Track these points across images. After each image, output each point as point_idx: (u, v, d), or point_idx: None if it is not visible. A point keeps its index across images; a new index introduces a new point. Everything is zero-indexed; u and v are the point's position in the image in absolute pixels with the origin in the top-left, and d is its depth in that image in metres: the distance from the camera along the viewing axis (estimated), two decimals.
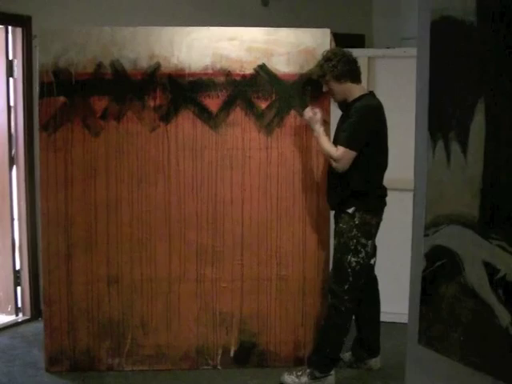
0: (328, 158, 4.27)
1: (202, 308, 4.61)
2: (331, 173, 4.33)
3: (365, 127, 4.19)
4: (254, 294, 4.61)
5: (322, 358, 4.35)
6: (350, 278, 4.26)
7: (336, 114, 4.47)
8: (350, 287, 4.27)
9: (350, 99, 4.29)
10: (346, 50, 4.33)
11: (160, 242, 4.54)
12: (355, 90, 4.28)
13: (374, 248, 4.43)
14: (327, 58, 4.25)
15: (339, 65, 4.21)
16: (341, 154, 4.16)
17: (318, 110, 4.32)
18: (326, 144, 4.27)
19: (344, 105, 4.38)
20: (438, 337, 2.56)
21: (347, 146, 4.15)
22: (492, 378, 2.28)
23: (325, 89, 4.32)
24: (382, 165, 4.36)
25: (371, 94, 4.35)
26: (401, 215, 4.61)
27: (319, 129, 4.29)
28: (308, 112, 4.33)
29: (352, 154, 4.15)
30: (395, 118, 5.12)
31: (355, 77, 4.30)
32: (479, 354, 2.34)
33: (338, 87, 4.26)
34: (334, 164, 4.21)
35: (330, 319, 4.35)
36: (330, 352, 4.34)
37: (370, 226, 4.26)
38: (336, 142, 4.26)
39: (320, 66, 4.27)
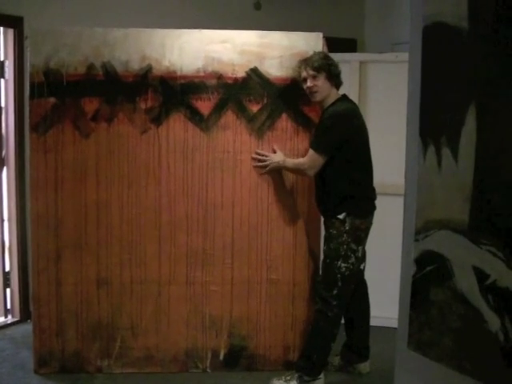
0: (297, 170, 4.37)
1: (192, 311, 4.60)
2: (320, 180, 4.33)
3: (336, 133, 4.19)
4: (244, 298, 4.61)
5: (309, 363, 4.34)
6: (339, 284, 4.25)
7: None
8: (339, 293, 4.27)
9: (326, 104, 4.30)
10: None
11: (150, 245, 4.53)
12: (333, 95, 4.30)
13: (364, 253, 4.43)
14: (326, 57, 4.27)
15: (334, 66, 4.26)
16: (307, 158, 4.24)
17: (258, 155, 4.49)
18: (292, 161, 4.40)
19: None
20: (427, 342, 2.56)
21: (315, 149, 4.21)
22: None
23: (310, 83, 4.26)
24: (367, 167, 4.35)
25: (344, 98, 4.35)
26: (391, 220, 4.62)
27: (283, 160, 4.43)
28: (270, 159, 4.47)
29: (319, 158, 4.19)
30: (386, 122, 5.15)
31: (339, 84, 4.35)
32: (469, 359, 2.34)
33: (326, 86, 4.25)
34: (302, 168, 4.28)
35: (317, 324, 4.35)
36: (318, 357, 4.34)
37: (360, 231, 4.26)
38: None
39: (319, 60, 4.23)
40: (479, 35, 2.22)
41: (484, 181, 2.23)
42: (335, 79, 4.28)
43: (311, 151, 4.22)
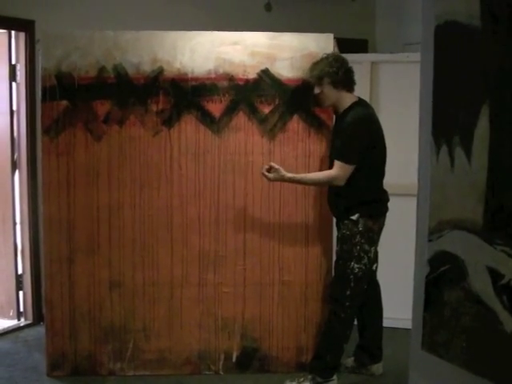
0: (326, 182, 4.27)
1: (204, 313, 4.60)
2: (332, 186, 4.32)
3: (360, 140, 4.16)
4: (257, 300, 4.60)
5: (322, 364, 4.34)
6: (352, 285, 4.25)
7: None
8: (352, 293, 4.26)
9: (341, 109, 4.28)
10: (344, 56, 4.31)
11: (162, 247, 4.53)
12: (347, 99, 4.27)
13: (376, 253, 4.42)
14: (329, 63, 4.22)
15: (340, 72, 4.20)
16: (340, 170, 4.15)
17: (271, 164, 4.20)
18: (316, 176, 4.31)
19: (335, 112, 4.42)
20: (441, 342, 2.55)
21: (344, 160, 4.14)
22: None
23: (317, 91, 4.26)
24: (383, 170, 4.35)
25: (361, 102, 4.33)
26: (404, 220, 4.60)
27: (291, 175, 4.22)
28: (270, 174, 4.19)
29: (350, 167, 4.14)
30: (398, 123, 5.13)
31: (350, 86, 4.30)
32: (483, 360, 2.33)
33: (332, 93, 4.23)
34: (334, 182, 4.19)
35: (330, 325, 4.34)
36: (331, 358, 4.33)
37: (372, 232, 4.26)
38: (331, 154, 4.30)
39: (320, 68, 4.22)
40: (492, 34, 2.21)
41: (497, 181, 2.21)
42: (343, 84, 4.23)
43: (341, 163, 4.14)
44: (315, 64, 4.29)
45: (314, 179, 4.29)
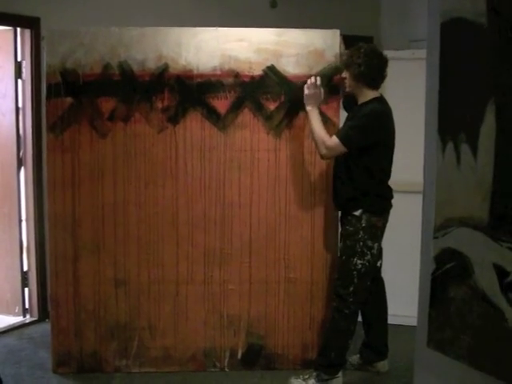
0: (317, 141, 4.22)
1: (210, 310, 4.60)
2: (338, 172, 4.32)
3: (367, 132, 4.16)
4: (262, 297, 4.60)
5: (327, 361, 4.33)
6: (356, 281, 4.24)
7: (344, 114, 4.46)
8: (355, 290, 4.25)
9: (360, 101, 4.28)
10: (382, 53, 4.27)
11: (167, 244, 4.53)
12: (367, 93, 4.25)
13: (380, 250, 4.41)
14: (359, 54, 4.18)
15: (363, 67, 4.16)
16: (333, 144, 4.15)
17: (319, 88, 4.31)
18: (320, 127, 4.24)
19: (349, 105, 4.44)
20: (447, 340, 2.54)
21: (342, 139, 4.13)
22: (502, 382, 2.26)
23: (343, 75, 4.31)
24: (388, 168, 4.33)
25: (381, 99, 4.31)
26: (409, 217, 4.60)
27: (315, 108, 4.29)
28: (310, 88, 4.31)
29: (343, 148, 4.13)
30: (404, 120, 5.10)
31: (374, 84, 4.26)
32: (489, 358, 2.32)
33: (352, 84, 4.25)
34: (322, 150, 4.19)
35: (334, 322, 4.34)
36: (335, 355, 4.32)
37: (376, 228, 4.24)
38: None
39: (350, 57, 4.21)
40: (497, 30, 2.20)
41: (504, 177, 2.21)
42: (365, 81, 4.21)
43: (337, 140, 4.13)
44: (350, 50, 4.29)
45: (315, 127, 4.24)
